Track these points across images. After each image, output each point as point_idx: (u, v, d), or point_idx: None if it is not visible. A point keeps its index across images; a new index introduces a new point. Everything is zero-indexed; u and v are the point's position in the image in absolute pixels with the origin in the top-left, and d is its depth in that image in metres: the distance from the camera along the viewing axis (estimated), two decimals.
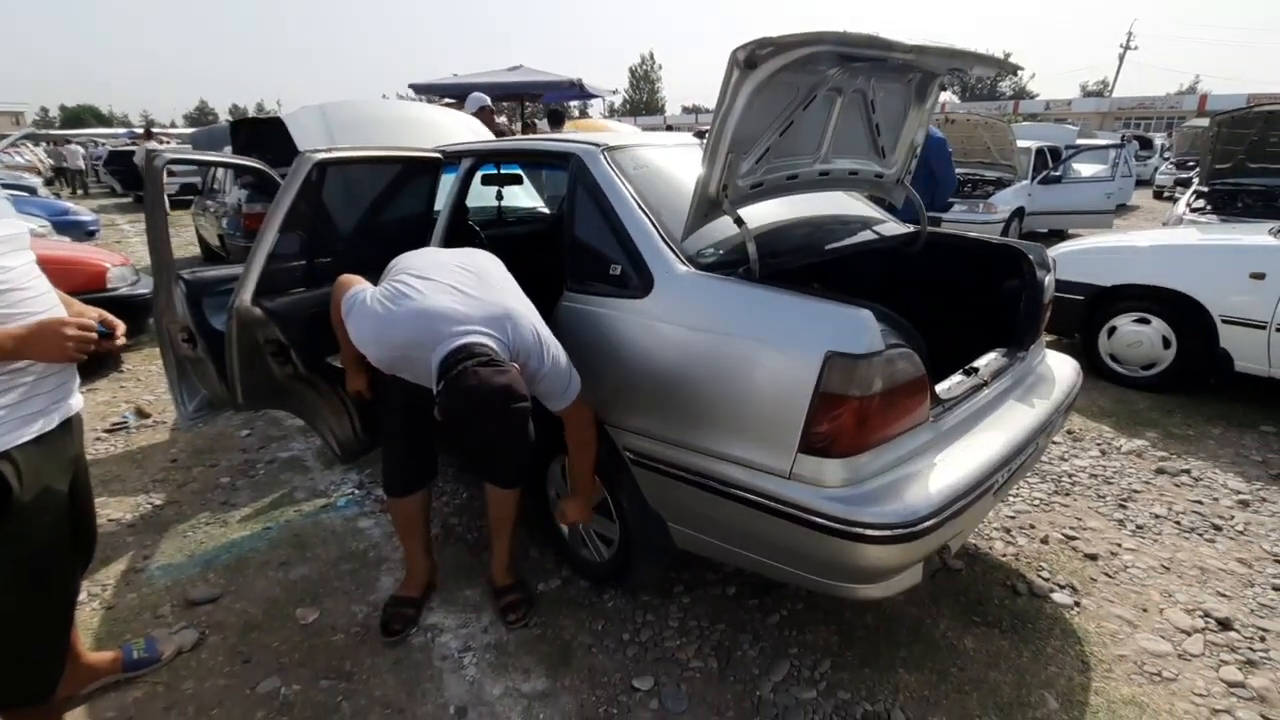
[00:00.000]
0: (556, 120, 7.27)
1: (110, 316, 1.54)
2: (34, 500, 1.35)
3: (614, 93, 13.28)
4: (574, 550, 2.30)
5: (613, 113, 49.57)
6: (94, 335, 1.43)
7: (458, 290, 1.66)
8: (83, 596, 2.20)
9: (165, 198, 2.45)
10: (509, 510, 2.14)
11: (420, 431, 2.02)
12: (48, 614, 1.45)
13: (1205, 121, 8.35)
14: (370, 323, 1.64)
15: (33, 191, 10.55)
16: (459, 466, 3.02)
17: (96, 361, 4.43)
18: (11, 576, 1.36)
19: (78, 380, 1.53)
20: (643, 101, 60.28)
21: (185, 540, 2.57)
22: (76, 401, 1.52)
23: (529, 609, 2.14)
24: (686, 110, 57.73)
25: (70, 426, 1.50)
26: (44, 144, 23.36)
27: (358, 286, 1.74)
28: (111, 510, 2.76)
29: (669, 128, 23.94)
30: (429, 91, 10.26)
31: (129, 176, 14.22)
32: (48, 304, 1.41)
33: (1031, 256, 2.30)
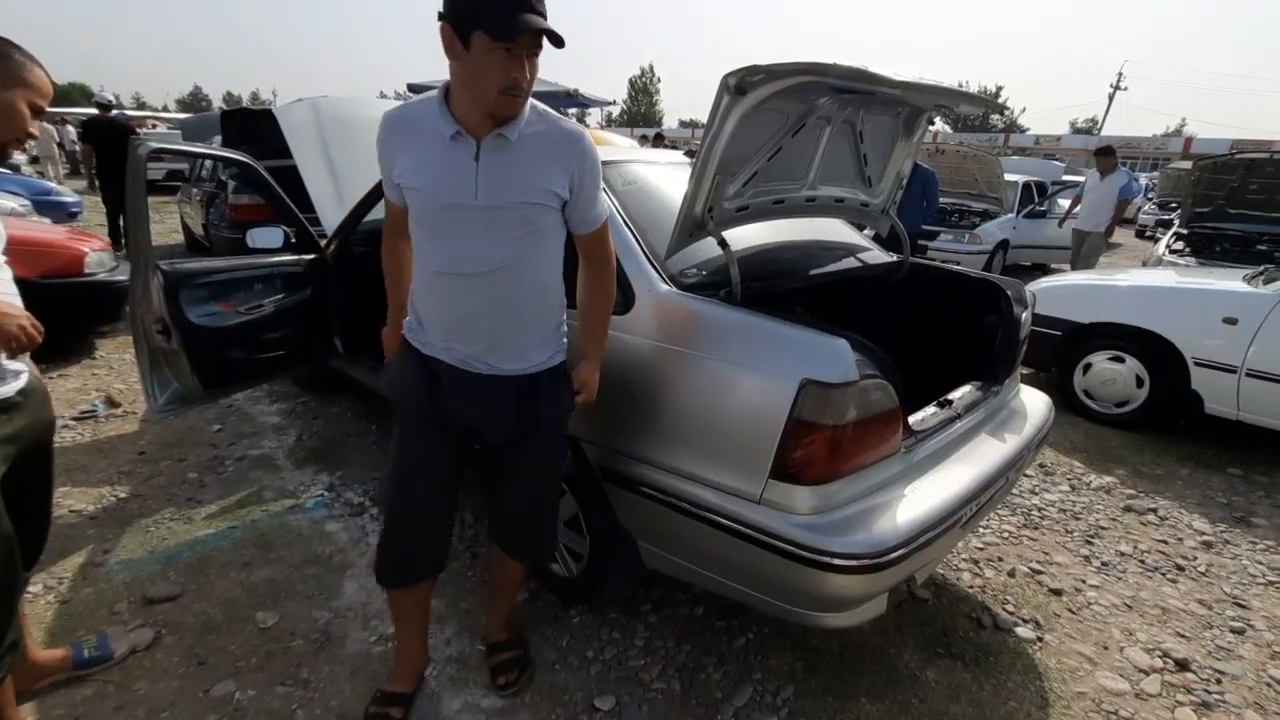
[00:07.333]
0: None
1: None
2: None
3: (613, 103, 13.36)
4: (543, 564, 2.28)
5: (610, 123, 49.81)
6: (39, 340, 1.36)
7: None
8: (38, 589, 2.15)
9: (145, 186, 2.41)
10: (516, 577, 1.91)
11: (440, 477, 1.61)
12: None
13: (1190, 164, 8.54)
14: None
15: (16, 169, 10.38)
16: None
17: (69, 347, 4.35)
18: None
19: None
20: (640, 113, 60.64)
21: (147, 535, 2.52)
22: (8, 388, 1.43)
23: (524, 672, 1.88)
24: (684, 124, 58.10)
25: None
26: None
27: None
28: (74, 501, 2.70)
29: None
30: (425, 91, 10.31)
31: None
32: (6, 291, 1.40)
33: (1010, 293, 2.33)
